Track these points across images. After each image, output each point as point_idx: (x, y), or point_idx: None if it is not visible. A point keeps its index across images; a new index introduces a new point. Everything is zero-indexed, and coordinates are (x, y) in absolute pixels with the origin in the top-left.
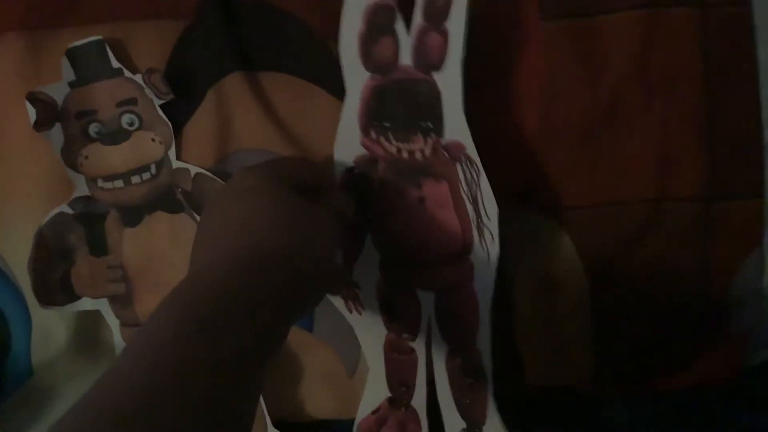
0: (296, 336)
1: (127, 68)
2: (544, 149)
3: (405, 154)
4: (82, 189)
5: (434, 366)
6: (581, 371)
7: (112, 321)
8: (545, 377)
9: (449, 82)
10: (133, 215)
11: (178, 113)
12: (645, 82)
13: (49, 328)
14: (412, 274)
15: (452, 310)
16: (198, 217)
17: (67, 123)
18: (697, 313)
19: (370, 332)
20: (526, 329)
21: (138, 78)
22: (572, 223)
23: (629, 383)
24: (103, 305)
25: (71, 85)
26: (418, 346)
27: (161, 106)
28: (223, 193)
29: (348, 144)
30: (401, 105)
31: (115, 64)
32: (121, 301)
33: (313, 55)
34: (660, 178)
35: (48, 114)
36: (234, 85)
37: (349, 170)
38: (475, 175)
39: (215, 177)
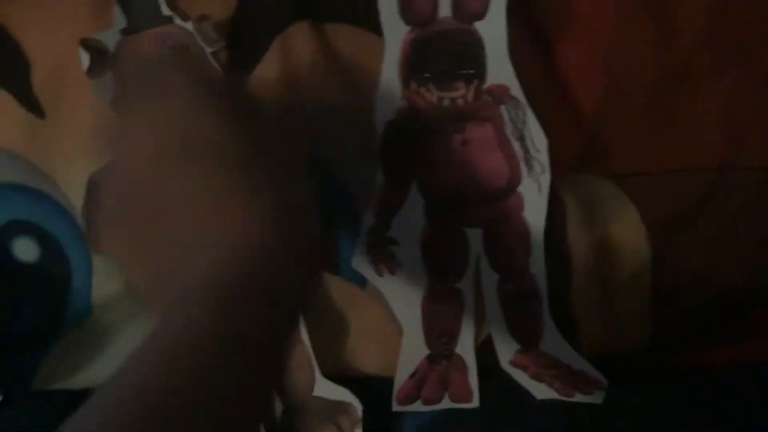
0: (348, 291)
1: (180, 16)
2: (609, 111)
3: (446, 102)
4: None
5: (484, 298)
6: (635, 341)
7: None
8: (599, 345)
9: (493, 29)
10: None
11: (242, 64)
12: (718, 48)
13: (110, 268)
14: (460, 214)
15: (503, 241)
16: None
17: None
18: (760, 286)
19: (405, 290)
20: (583, 296)
21: (189, 26)
22: (637, 189)
23: (684, 356)
24: None
25: (123, 32)
26: (465, 285)
27: (221, 56)
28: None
29: (389, 97)
30: (442, 55)
31: (166, 11)
32: None
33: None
34: (729, 145)
35: (100, 61)
36: (299, 34)
37: (391, 123)
38: (521, 114)
39: None
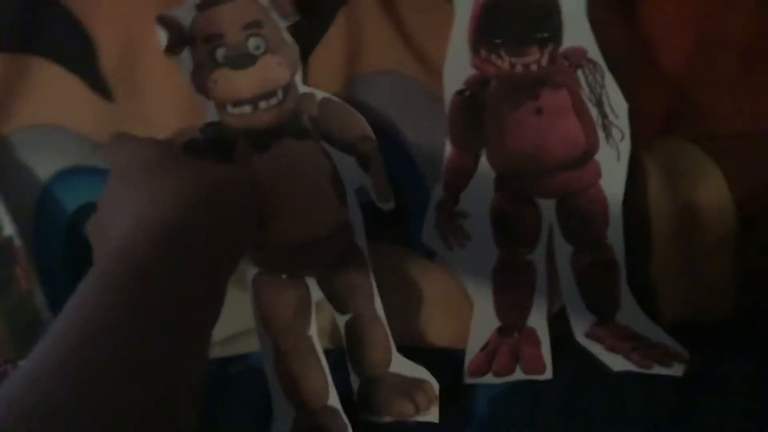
0: (419, 263)
1: None
2: (698, 71)
3: (519, 68)
4: (212, 114)
5: (559, 270)
6: (720, 310)
7: None
8: (681, 314)
9: None
10: (261, 141)
11: (307, 36)
12: None
13: None
14: (533, 184)
15: (578, 212)
16: (324, 144)
17: (196, 47)
18: None
19: (476, 262)
20: (663, 266)
21: (263, 0)
22: (724, 153)
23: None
24: None
25: (198, 8)
26: (537, 256)
27: (288, 29)
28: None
29: (457, 66)
30: (514, 19)
31: None
32: None
33: None
34: None
35: (177, 38)
36: (364, 3)
37: (460, 92)
38: (599, 77)
39: (341, 102)
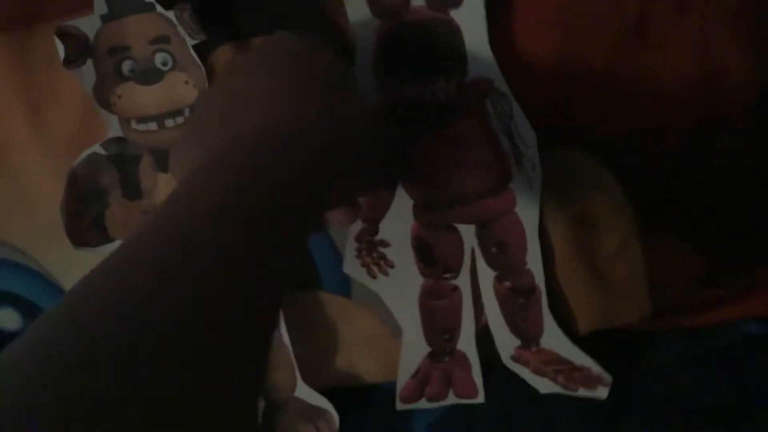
0: (335, 303)
1: (160, 3)
2: (569, 78)
3: (427, 97)
4: (115, 130)
5: (482, 294)
6: (636, 311)
7: None
8: (599, 320)
9: (471, 17)
10: (167, 159)
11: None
12: None
13: None
14: (451, 212)
15: (497, 238)
16: None
17: (99, 59)
18: (756, 236)
19: (401, 290)
20: (568, 274)
21: (171, 14)
22: (612, 155)
23: (688, 317)
24: None
25: (103, 18)
26: (462, 281)
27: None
28: (233, 65)
29: (365, 97)
30: (418, 48)
31: None
32: None
33: (306, 16)
34: (706, 95)
35: (78, 49)
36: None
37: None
38: (506, 107)
39: None
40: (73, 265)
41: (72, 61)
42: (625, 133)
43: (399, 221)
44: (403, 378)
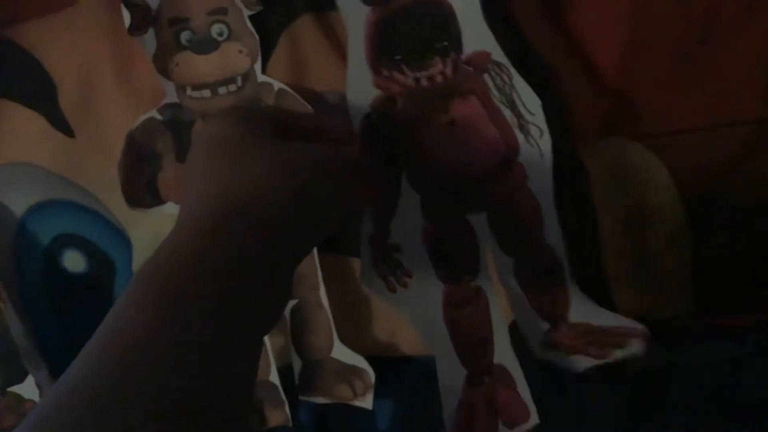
0: None
1: None
2: (633, 70)
3: (424, 82)
4: (171, 96)
5: (504, 287)
6: (678, 305)
7: None
8: (638, 309)
9: None
10: None
11: (269, 28)
12: None
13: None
14: (459, 201)
15: (511, 220)
16: None
17: (160, 29)
18: None
19: (423, 302)
20: (615, 262)
21: None
22: (668, 150)
23: (731, 316)
24: None
25: None
26: (483, 281)
27: (250, 18)
28: (196, 149)
29: (360, 88)
30: (410, 33)
31: None
32: None
33: None
34: (764, 96)
35: (142, 19)
36: (305, 27)
37: (367, 117)
38: (507, 78)
39: (296, 95)
40: (138, 216)
41: (137, 29)
42: (683, 129)
43: (408, 220)
44: (448, 412)
